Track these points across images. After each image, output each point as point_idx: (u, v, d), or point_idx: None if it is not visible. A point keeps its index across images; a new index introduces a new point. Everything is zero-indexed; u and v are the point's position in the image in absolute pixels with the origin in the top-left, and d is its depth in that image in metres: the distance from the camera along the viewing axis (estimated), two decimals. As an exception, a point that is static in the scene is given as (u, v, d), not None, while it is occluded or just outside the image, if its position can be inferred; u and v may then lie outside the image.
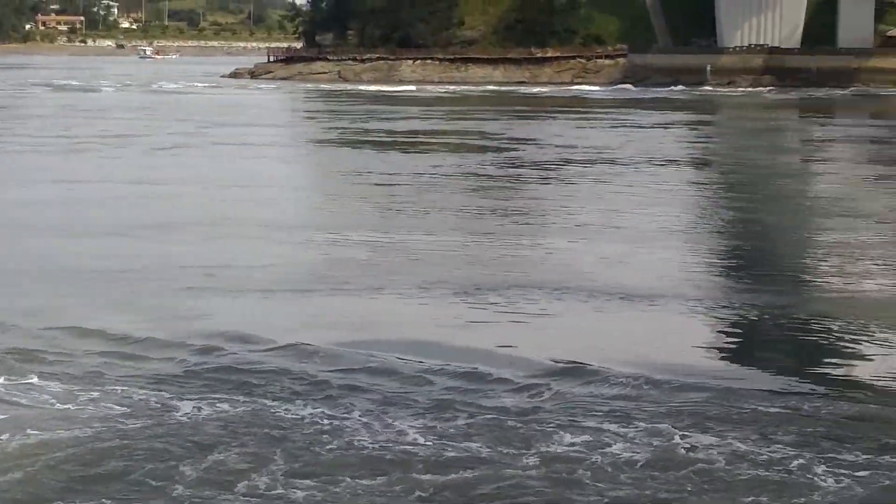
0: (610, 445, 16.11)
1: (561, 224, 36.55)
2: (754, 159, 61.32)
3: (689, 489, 14.79)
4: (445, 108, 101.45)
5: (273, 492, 14.47)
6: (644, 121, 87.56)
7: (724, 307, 24.99)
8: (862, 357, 21.55)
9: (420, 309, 24.67)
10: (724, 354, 21.78)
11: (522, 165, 53.75)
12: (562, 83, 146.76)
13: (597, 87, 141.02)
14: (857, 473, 15.19)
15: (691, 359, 20.96)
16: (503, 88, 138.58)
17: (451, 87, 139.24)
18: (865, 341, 22.50)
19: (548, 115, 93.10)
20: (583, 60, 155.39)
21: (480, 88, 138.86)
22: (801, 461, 15.61)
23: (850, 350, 22.03)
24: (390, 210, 39.57)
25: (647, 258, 30.65)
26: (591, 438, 16.35)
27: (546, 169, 52.27)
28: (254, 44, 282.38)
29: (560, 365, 20.15)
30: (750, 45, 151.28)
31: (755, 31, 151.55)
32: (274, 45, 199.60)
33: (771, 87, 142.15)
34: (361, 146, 65.65)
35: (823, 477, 15.13)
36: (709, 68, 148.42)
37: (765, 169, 55.98)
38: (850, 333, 22.99)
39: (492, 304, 24.84)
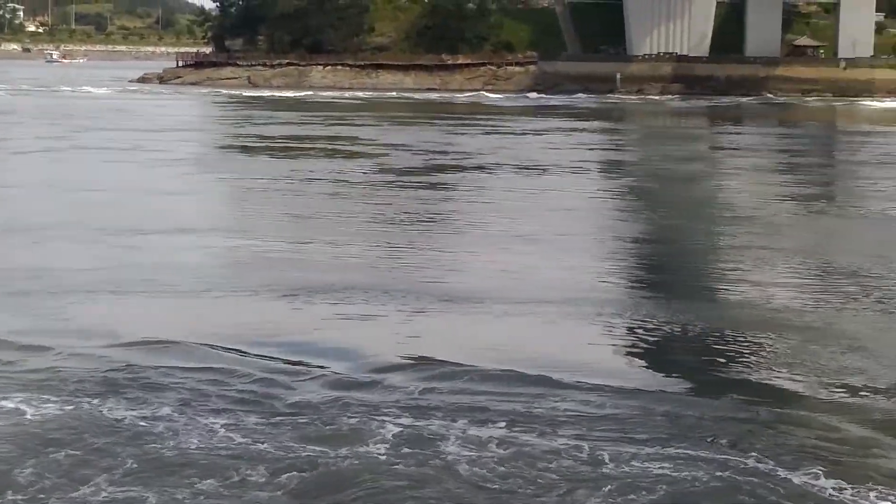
0: (435, 442, 15.90)
1: (406, 228, 35.95)
2: (618, 164, 61.20)
3: (513, 484, 14.62)
4: (331, 113, 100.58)
5: (103, 495, 14.09)
6: (521, 127, 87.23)
7: (544, 309, 24.52)
8: (678, 353, 21.46)
9: (243, 309, 24.23)
10: (538, 355, 21.17)
11: (385, 171, 52.98)
12: (472, 90, 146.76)
13: (499, 95, 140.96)
14: (654, 464, 15.17)
15: (506, 357, 20.52)
16: (411, 94, 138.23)
17: (359, 93, 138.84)
18: (680, 335, 22.50)
19: (428, 121, 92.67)
20: (493, 67, 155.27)
21: (385, 94, 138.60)
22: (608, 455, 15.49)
23: (669, 346, 22.00)
24: (235, 214, 38.80)
25: (483, 261, 30.23)
26: (412, 434, 16.18)
27: (407, 174, 51.63)
28: (162, 48, 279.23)
29: (378, 363, 20.06)
30: (659, 53, 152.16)
31: (664, 40, 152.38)
32: (183, 49, 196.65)
33: (677, 95, 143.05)
34: (229, 150, 65.06)
35: (628, 470, 15.00)
36: (618, 76, 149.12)
37: (628, 174, 55.83)
38: (662, 330, 22.95)
39: (317, 304, 24.63)
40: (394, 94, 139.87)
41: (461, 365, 19.81)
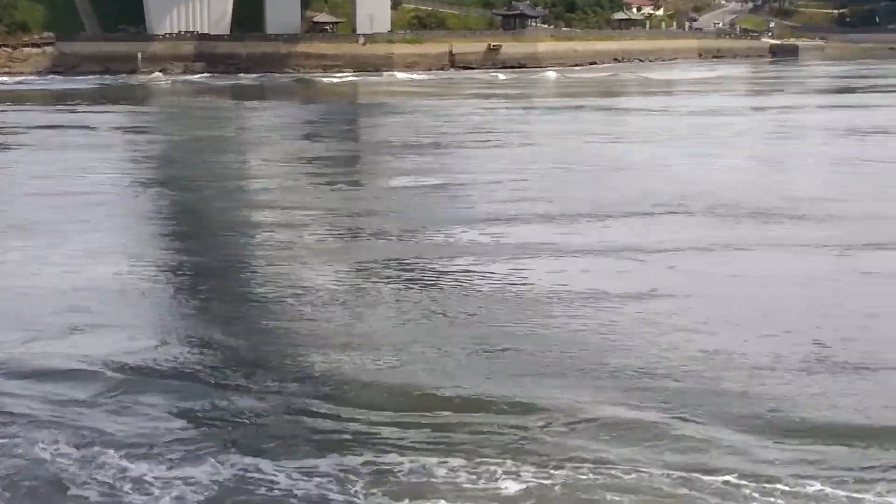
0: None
1: None
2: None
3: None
4: None
5: None
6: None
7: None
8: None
9: None
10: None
11: None
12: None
13: (15, 78, 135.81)
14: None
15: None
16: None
17: None
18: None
19: None
20: (9, 49, 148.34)
21: None
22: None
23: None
24: None
25: None
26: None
27: None
28: None
29: None
30: (180, 32, 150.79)
31: (184, 19, 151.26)
32: None
33: (201, 74, 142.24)
34: None
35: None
36: (140, 56, 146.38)
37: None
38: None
39: None
40: None
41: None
